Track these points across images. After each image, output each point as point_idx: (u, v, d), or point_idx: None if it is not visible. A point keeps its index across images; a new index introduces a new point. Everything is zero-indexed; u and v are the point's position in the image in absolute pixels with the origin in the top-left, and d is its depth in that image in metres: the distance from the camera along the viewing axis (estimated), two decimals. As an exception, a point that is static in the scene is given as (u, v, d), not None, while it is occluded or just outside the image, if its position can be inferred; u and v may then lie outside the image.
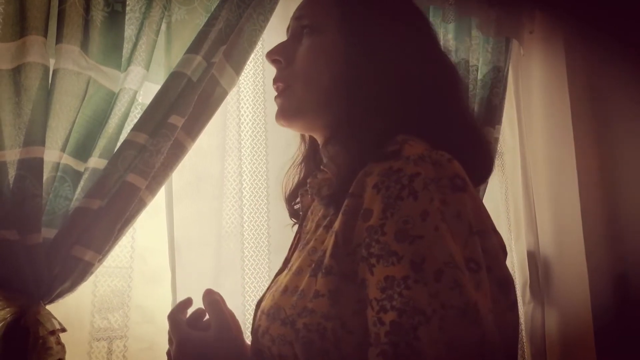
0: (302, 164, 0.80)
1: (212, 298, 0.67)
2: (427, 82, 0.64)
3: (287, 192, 0.79)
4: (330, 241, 0.56)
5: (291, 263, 0.63)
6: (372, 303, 0.50)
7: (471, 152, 0.62)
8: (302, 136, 0.80)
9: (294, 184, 0.79)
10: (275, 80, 0.70)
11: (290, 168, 0.80)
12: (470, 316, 0.47)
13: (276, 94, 0.71)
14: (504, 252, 0.59)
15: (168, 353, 0.68)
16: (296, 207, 0.79)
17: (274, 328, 0.57)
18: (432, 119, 0.62)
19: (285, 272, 0.63)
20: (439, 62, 0.68)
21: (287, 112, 0.68)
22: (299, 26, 0.70)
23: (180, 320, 0.66)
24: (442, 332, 0.46)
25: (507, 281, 0.54)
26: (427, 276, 0.48)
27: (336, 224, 0.55)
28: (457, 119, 0.65)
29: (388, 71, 0.62)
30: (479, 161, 0.64)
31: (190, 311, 0.72)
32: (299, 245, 0.67)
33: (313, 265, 0.57)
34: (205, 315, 0.70)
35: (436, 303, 0.47)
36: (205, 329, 0.66)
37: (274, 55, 0.70)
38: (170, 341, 0.67)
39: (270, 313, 0.58)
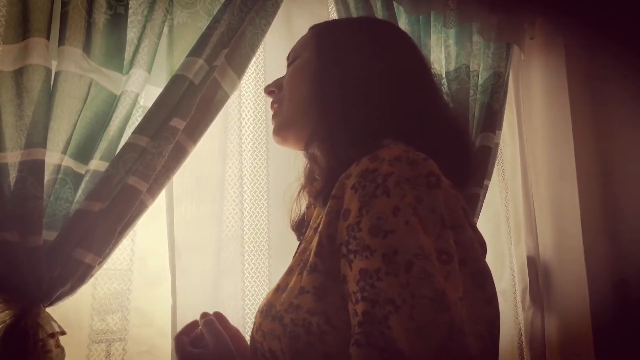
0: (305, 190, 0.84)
1: (207, 319, 0.71)
2: (402, 89, 0.68)
3: (295, 220, 0.84)
4: (315, 241, 0.59)
5: (288, 267, 0.67)
6: (351, 297, 0.53)
7: (450, 154, 0.65)
8: (306, 163, 0.85)
9: (301, 213, 0.84)
10: (271, 105, 0.79)
11: (296, 197, 0.85)
12: (439, 304, 0.49)
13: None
14: (482, 248, 0.62)
15: None
16: (303, 230, 0.83)
17: (265, 324, 0.60)
18: (408, 124, 0.67)
19: (282, 275, 0.67)
20: (414, 71, 0.73)
21: (277, 127, 0.77)
22: (288, 61, 0.81)
23: (184, 341, 0.70)
24: (411, 320, 0.49)
25: (482, 274, 0.57)
26: (397, 268, 0.51)
27: (321, 225, 0.59)
28: (433, 122, 0.69)
29: (360, 81, 0.68)
30: (459, 163, 0.68)
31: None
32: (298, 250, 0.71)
33: (301, 264, 0.60)
34: None
35: (406, 293, 0.49)
36: (204, 347, 0.70)
37: (269, 88, 0.81)
38: None
39: (264, 310, 0.63)
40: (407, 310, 0.49)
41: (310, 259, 0.59)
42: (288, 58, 0.81)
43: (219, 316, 0.75)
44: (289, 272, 0.64)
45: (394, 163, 0.56)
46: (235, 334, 0.74)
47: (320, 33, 0.78)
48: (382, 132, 0.66)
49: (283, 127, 0.77)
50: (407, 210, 0.53)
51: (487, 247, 0.65)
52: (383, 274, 0.51)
